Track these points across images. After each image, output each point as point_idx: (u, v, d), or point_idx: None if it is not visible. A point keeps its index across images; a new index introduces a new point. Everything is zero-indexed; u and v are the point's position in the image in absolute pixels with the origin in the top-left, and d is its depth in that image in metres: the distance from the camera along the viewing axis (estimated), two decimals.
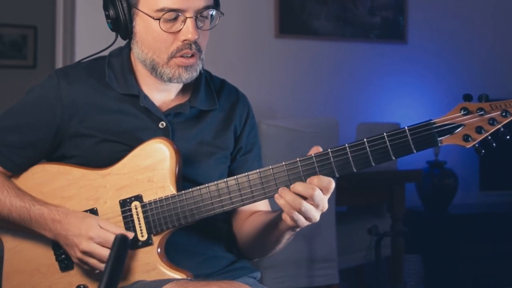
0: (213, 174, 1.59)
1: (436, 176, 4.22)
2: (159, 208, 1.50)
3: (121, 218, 1.52)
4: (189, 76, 1.55)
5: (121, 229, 1.50)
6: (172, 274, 1.49)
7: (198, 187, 1.48)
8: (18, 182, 1.61)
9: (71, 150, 1.59)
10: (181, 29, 1.51)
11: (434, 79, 4.52)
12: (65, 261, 1.56)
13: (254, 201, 1.46)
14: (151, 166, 1.52)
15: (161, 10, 1.49)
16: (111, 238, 1.46)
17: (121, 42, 1.64)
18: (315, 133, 3.08)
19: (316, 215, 1.41)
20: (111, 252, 1.15)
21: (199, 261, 1.59)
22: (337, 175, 1.41)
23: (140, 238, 1.51)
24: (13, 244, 1.62)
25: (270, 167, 1.43)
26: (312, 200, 1.38)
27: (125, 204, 1.52)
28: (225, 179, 1.47)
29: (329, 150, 1.41)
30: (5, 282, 1.62)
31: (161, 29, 1.51)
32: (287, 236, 1.55)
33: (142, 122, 1.58)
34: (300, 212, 1.39)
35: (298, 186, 1.39)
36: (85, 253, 1.48)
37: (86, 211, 1.54)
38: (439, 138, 1.37)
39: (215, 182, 1.47)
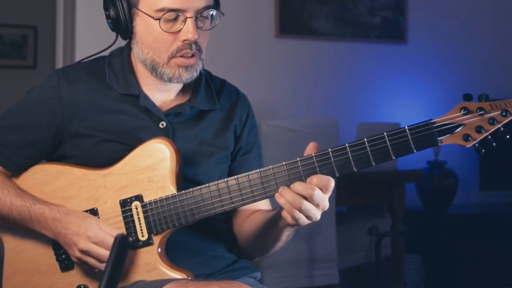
0: (213, 174, 1.59)
1: (436, 176, 4.22)
2: (160, 208, 1.50)
3: (121, 218, 1.52)
4: (189, 76, 1.55)
5: (119, 232, 1.49)
6: (172, 274, 1.49)
7: (198, 187, 1.48)
8: (18, 182, 1.61)
9: (71, 150, 1.59)
10: (181, 29, 1.51)
11: (434, 79, 4.53)
12: (65, 261, 1.56)
13: (255, 201, 1.46)
14: (152, 166, 1.52)
15: (161, 10, 1.50)
16: (108, 239, 1.46)
17: (121, 42, 1.64)
18: (315, 133, 3.07)
19: (316, 214, 1.41)
20: (111, 252, 1.15)
21: (199, 261, 1.59)
22: (337, 175, 1.41)
23: (141, 238, 1.51)
24: (13, 244, 1.62)
25: (271, 166, 1.43)
26: (312, 199, 1.39)
27: (125, 204, 1.52)
28: (225, 179, 1.47)
29: (329, 149, 1.41)
30: (6, 282, 1.62)
31: (161, 29, 1.51)
32: (287, 233, 1.55)
33: (142, 122, 1.58)
34: (300, 211, 1.39)
35: (298, 186, 1.39)
36: (83, 252, 1.48)
37: (86, 211, 1.54)
38: (439, 138, 1.37)
39: (216, 182, 1.47)
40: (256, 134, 1.74)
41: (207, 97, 1.66)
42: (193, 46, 1.53)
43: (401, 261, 3.64)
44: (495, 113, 1.36)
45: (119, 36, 1.61)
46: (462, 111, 1.37)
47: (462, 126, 1.37)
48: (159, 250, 1.51)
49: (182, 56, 1.53)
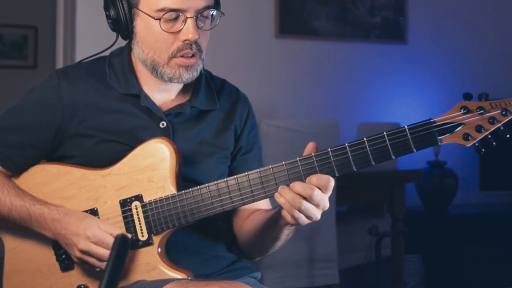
0: (213, 174, 1.59)
1: (436, 176, 4.22)
2: (159, 208, 1.50)
3: (121, 218, 1.52)
4: (189, 76, 1.55)
5: (118, 230, 1.49)
6: (172, 274, 1.49)
7: (198, 187, 1.48)
8: (18, 182, 1.61)
9: (71, 150, 1.59)
10: (181, 29, 1.51)
11: (434, 79, 4.53)
12: (65, 261, 1.56)
13: (254, 201, 1.46)
14: (151, 166, 1.52)
15: (162, 10, 1.50)
16: (107, 238, 1.46)
17: (121, 42, 1.64)
18: (315, 133, 3.08)
19: (316, 214, 1.41)
20: (111, 252, 1.15)
21: (199, 261, 1.59)
22: (337, 175, 1.41)
23: (141, 238, 1.51)
24: (13, 244, 1.62)
25: (270, 166, 1.43)
26: (312, 200, 1.38)
27: (125, 204, 1.52)
28: (225, 179, 1.47)
29: (329, 149, 1.41)
30: (6, 282, 1.62)
31: (162, 29, 1.51)
32: (287, 232, 1.55)
33: (143, 122, 1.58)
34: (300, 211, 1.39)
35: (297, 186, 1.39)
36: (83, 252, 1.48)
37: (86, 211, 1.54)
38: (439, 137, 1.37)
39: (215, 182, 1.47)
40: (256, 134, 1.73)
41: (208, 97, 1.66)
42: (194, 46, 1.53)
43: (401, 261, 3.64)
44: (495, 112, 1.35)
45: (119, 36, 1.61)
46: (462, 110, 1.37)
47: (462, 126, 1.37)
48: (159, 250, 1.51)
49: (182, 56, 1.53)
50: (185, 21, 1.51)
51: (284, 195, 1.40)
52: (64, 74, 1.61)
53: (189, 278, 1.48)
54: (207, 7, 1.53)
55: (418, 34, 4.49)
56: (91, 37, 3.63)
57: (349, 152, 1.40)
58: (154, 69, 1.56)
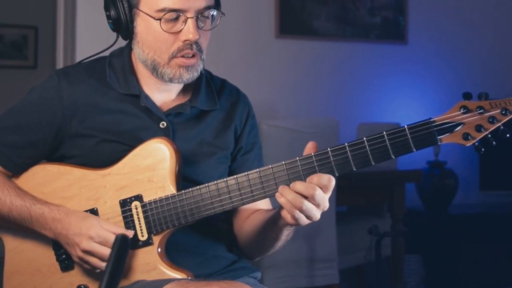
0: (213, 174, 1.59)
1: (436, 176, 4.22)
2: (159, 208, 1.50)
3: (121, 218, 1.52)
4: (190, 76, 1.55)
5: (121, 229, 1.50)
6: (172, 274, 1.49)
7: (198, 187, 1.48)
8: (18, 182, 1.61)
9: (71, 150, 1.60)
10: (182, 29, 1.51)
11: (434, 79, 4.53)
12: (65, 261, 1.56)
13: (254, 201, 1.46)
14: (151, 166, 1.52)
15: (162, 10, 1.50)
16: (111, 237, 1.46)
17: (122, 43, 1.64)
18: (315, 133, 3.08)
19: (317, 214, 1.41)
20: (111, 252, 1.16)
21: (199, 261, 1.59)
22: (336, 174, 1.41)
23: (141, 238, 1.51)
24: (13, 244, 1.62)
25: (270, 166, 1.43)
26: (313, 199, 1.38)
27: (125, 204, 1.53)
28: (225, 179, 1.47)
29: (328, 149, 1.41)
30: (6, 282, 1.62)
31: (162, 29, 1.51)
32: (286, 233, 1.55)
33: (143, 122, 1.58)
34: (301, 211, 1.39)
35: (299, 185, 1.38)
36: (86, 252, 1.48)
37: (86, 211, 1.54)
38: (438, 137, 1.37)
39: (215, 182, 1.47)
40: (256, 134, 1.73)
41: (208, 97, 1.66)
42: (194, 46, 1.53)
43: (401, 261, 3.64)
44: (495, 111, 1.35)
45: (119, 36, 1.61)
46: (461, 110, 1.37)
47: (462, 125, 1.37)
48: (159, 250, 1.51)
49: (182, 56, 1.53)
50: (185, 21, 1.51)
51: (285, 195, 1.39)
52: (64, 74, 1.61)
53: (189, 278, 1.48)
54: (208, 7, 1.53)
55: (418, 34, 4.49)
56: (91, 37, 3.63)
57: (348, 152, 1.40)
58: (154, 69, 1.56)
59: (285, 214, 1.42)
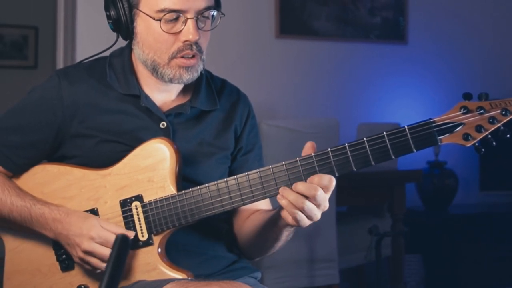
0: (213, 174, 1.59)
1: (436, 176, 4.22)
2: (160, 208, 1.50)
3: (121, 218, 1.53)
4: (190, 76, 1.55)
5: (122, 229, 1.50)
6: (172, 274, 1.49)
7: (198, 187, 1.48)
8: (19, 183, 1.61)
9: (71, 150, 1.60)
10: (182, 30, 1.51)
11: (434, 79, 4.53)
12: (66, 261, 1.56)
13: (254, 201, 1.46)
14: (151, 166, 1.52)
15: (162, 10, 1.50)
16: (112, 238, 1.46)
17: (122, 43, 1.64)
18: (315, 133, 3.08)
19: (318, 214, 1.41)
20: (112, 252, 1.16)
21: (199, 261, 1.59)
22: (337, 175, 1.41)
23: (141, 238, 1.51)
24: (14, 244, 1.62)
25: (270, 166, 1.43)
26: (315, 199, 1.38)
27: (125, 204, 1.53)
28: (225, 179, 1.47)
29: (328, 149, 1.41)
30: (6, 282, 1.62)
31: (162, 29, 1.51)
32: (286, 233, 1.55)
33: (143, 122, 1.58)
34: (303, 211, 1.39)
35: (300, 186, 1.38)
36: (87, 252, 1.48)
37: (86, 211, 1.54)
38: (439, 137, 1.37)
39: (215, 182, 1.47)
40: (256, 134, 1.74)
41: (208, 97, 1.66)
42: (194, 46, 1.53)
43: (401, 261, 3.64)
44: (495, 112, 1.35)
45: (119, 36, 1.61)
46: (461, 110, 1.37)
47: (462, 125, 1.37)
48: (159, 250, 1.51)
49: (182, 57, 1.53)
50: (185, 21, 1.51)
51: (286, 197, 1.39)
52: (65, 75, 1.61)
53: (189, 278, 1.48)
54: (208, 8, 1.53)
55: (418, 34, 4.49)
56: (92, 38, 3.63)
57: (349, 152, 1.40)
58: (154, 70, 1.56)
59: (285, 215, 1.42)
